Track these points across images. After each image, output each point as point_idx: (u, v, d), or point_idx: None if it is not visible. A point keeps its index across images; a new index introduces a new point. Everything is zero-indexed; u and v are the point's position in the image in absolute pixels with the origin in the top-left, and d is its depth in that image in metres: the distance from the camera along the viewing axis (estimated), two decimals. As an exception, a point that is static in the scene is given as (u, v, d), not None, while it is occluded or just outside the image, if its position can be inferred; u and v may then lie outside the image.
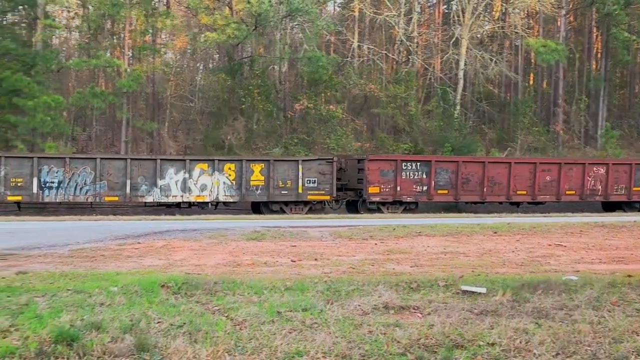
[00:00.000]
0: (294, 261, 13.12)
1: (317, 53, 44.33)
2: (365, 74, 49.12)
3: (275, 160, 32.34)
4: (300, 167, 31.70)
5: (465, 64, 48.24)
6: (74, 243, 16.10)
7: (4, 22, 44.13)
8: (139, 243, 16.24)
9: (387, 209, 32.75)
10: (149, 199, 30.44)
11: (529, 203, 35.28)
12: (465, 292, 9.75)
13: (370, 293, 9.42)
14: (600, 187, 35.35)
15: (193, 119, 48.57)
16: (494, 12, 56.41)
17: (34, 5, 39.54)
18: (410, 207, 33.17)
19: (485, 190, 33.60)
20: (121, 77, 41.04)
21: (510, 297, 9.34)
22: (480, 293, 9.66)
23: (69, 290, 9.37)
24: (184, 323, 7.51)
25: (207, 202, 31.30)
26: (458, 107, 47.95)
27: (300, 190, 31.63)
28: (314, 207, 32.36)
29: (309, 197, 31.98)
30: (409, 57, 50.47)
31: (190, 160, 31.34)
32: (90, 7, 45.47)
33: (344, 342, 6.93)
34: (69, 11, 48.97)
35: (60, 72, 43.96)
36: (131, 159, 30.64)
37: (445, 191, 33.33)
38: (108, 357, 6.33)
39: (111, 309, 8.20)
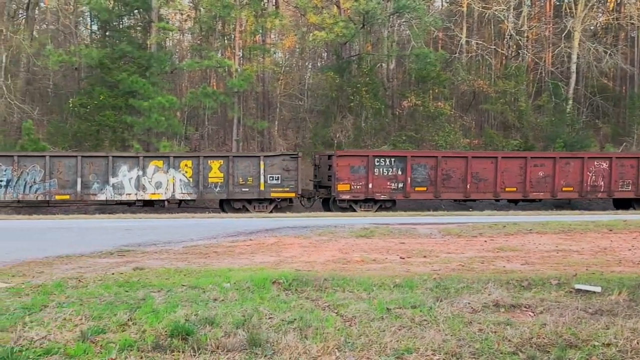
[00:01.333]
0: (403, 258, 13.10)
1: (425, 50, 44.03)
2: (473, 70, 48.46)
3: (234, 157, 31.47)
4: (261, 163, 30.79)
5: (578, 57, 47.01)
6: (188, 240, 16.54)
7: (120, 26, 45.60)
8: (250, 240, 16.52)
9: (360, 208, 31.54)
10: (102, 197, 29.90)
11: (522, 201, 33.66)
12: (578, 290, 9.50)
13: (480, 291, 9.32)
14: (602, 183, 33.39)
15: (302, 117, 49.02)
16: (608, 3, 54.76)
17: (148, 8, 40.69)
18: (385, 206, 31.89)
19: (468, 187, 31.96)
20: (232, 77, 41.80)
21: (626, 296, 9.05)
22: (594, 292, 9.39)
23: (183, 285, 9.62)
24: (295, 319, 7.59)
25: (163, 200, 30.69)
26: (570, 102, 46.74)
27: (262, 188, 30.76)
28: (279, 205, 31.39)
29: (272, 195, 30.96)
30: (519, 51, 49.50)
31: (144, 157, 30.72)
32: (201, 9, 46.58)
33: (454, 340, 6.89)
34: (181, 14, 50.42)
35: (174, 73, 45.11)
36: (82, 156, 30.10)
37: (424, 188, 31.88)
38: (221, 352, 6.46)
39: (224, 305, 8.36)
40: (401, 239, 16.84)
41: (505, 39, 49.10)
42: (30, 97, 45.55)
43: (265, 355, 6.35)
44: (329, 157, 32.25)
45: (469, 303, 8.55)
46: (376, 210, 31.23)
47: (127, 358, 6.19)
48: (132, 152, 33.23)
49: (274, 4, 48.39)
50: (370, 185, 31.16)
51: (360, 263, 12.42)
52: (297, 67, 55.66)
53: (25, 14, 47.31)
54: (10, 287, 9.48)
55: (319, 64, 56.39)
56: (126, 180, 29.92)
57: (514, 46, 49.92)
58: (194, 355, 6.31)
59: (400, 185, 31.55)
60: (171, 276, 10.53)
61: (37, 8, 48.21)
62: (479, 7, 48.83)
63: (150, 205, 31.04)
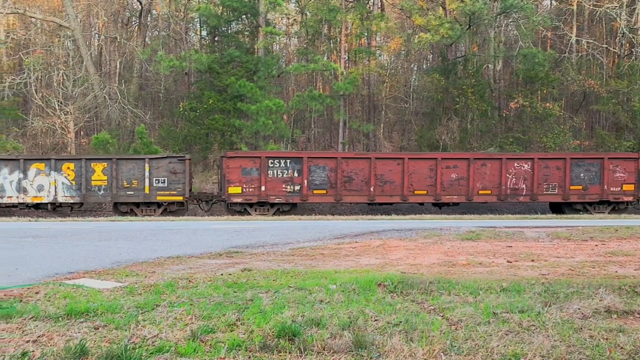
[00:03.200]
0: (510, 262, 12.91)
1: (533, 49, 43.20)
2: (584, 70, 47.17)
3: (119, 159, 30.47)
4: (146, 165, 30.05)
5: (695, 55, 45.23)
6: (294, 242, 16.73)
7: (229, 31, 46.50)
8: (356, 242, 16.59)
9: (255, 211, 30.45)
10: None
11: (435, 204, 31.98)
12: (695, 297, 9.18)
13: (590, 296, 9.09)
14: (524, 185, 31.46)
15: (408, 120, 48.88)
16: None
17: (256, 14, 41.36)
18: (283, 209, 30.68)
19: (373, 190, 30.56)
20: (338, 80, 42.05)
21: None
22: None
23: (290, 287, 9.73)
24: (400, 322, 7.56)
25: (47, 203, 30.00)
26: (688, 102, 45.00)
27: (147, 191, 30.05)
28: (169, 209, 30.50)
29: (159, 198, 30.20)
30: (632, 49, 47.88)
31: (25, 159, 29.98)
32: (308, 13, 47.03)
33: (563, 346, 6.76)
34: (288, 18, 51.00)
35: (281, 77, 45.68)
36: None
37: (323, 191, 30.53)
38: (327, 353, 6.50)
39: (330, 306, 8.40)
40: (508, 242, 16.59)
41: (618, 37, 47.60)
42: (143, 102, 47.00)
43: (371, 358, 6.36)
44: (222, 158, 31.23)
45: (579, 308, 8.36)
46: (273, 214, 30.34)
47: (236, 357, 6.31)
48: (12, 155, 33.14)
49: (380, 6, 48.40)
50: (263, 188, 30.14)
51: (466, 266, 12.30)
52: (402, 69, 55.49)
53: (138, 21, 48.91)
54: (124, 287, 9.81)
55: (424, 66, 56.09)
56: (7, 183, 29.65)
57: (627, 44, 48.34)
58: (300, 356, 6.37)
59: (297, 187, 30.41)
60: (278, 277, 10.67)
61: (149, 15, 49.66)
62: (589, 5, 47.56)
63: (36, 209, 30.57)
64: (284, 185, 30.25)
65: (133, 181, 30.04)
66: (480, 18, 42.48)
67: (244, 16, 44.80)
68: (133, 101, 43.16)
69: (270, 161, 30.22)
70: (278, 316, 7.71)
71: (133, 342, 6.67)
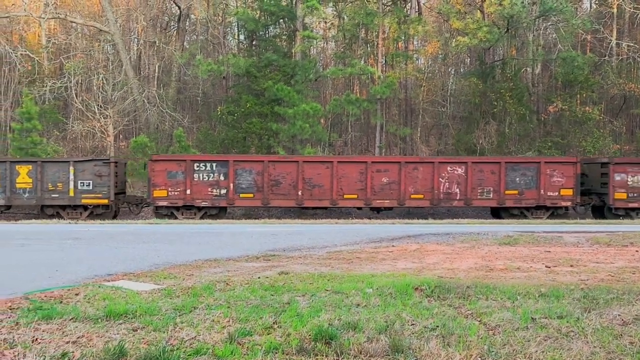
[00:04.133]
0: (549, 267, 12.80)
1: (572, 53, 42.77)
2: (624, 73, 46.62)
3: (43, 162, 30.12)
4: (71, 168, 29.51)
5: None
6: (331, 245, 16.77)
7: (267, 35, 46.69)
8: (393, 246, 16.57)
9: (182, 215, 29.98)
10: None
11: (370, 209, 31.31)
12: None
13: (631, 302, 8.99)
14: (458, 190, 30.66)
15: (445, 124, 48.67)
16: None
17: (293, 18, 41.46)
18: (210, 213, 30.23)
19: (301, 193, 29.97)
20: (375, 84, 42.01)
21: None
22: None
23: (327, 290, 9.76)
24: (437, 326, 7.56)
25: None
26: None
27: (71, 194, 29.50)
28: (95, 212, 29.95)
29: (84, 201, 29.66)
30: (674, 53, 47.32)
31: None
32: (345, 17, 47.05)
33: (603, 353, 6.69)
34: (325, 22, 51.12)
35: (318, 81, 45.75)
36: None
37: (250, 195, 29.99)
38: (364, 357, 6.51)
39: (367, 310, 8.42)
40: (546, 247, 16.46)
41: (659, 40, 47.05)
42: (181, 106, 47.31)
43: (408, 362, 6.37)
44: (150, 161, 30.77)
45: (619, 315, 8.27)
46: (201, 218, 29.93)
47: (273, 360, 6.36)
48: None
49: (417, 10, 48.26)
50: (188, 192, 29.74)
51: (503, 271, 12.23)
52: (439, 73, 55.28)
53: (176, 25, 49.27)
54: (162, 289, 9.90)
55: (461, 70, 55.81)
56: None
57: (669, 48, 47.72)
58: (337, 360, 6.40)
59: (224, 191, 30.00)
60: (315, 281, 10.70)
61: (187, 20, 50.03)
62: (630, 8, 47.03)
63: None
64: (210, 189, 29.97)
65: (58, 184, 29.69)
66: (518, 21, 42.17)
67: (281, 20, 44.92)
68: (171, 105, 43.49)
69: (196, 165, 29.96)
70: (315, 319, 7.74)
71: (171, 344, 6.75)
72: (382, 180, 30.41)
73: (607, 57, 46.80)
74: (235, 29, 53.32)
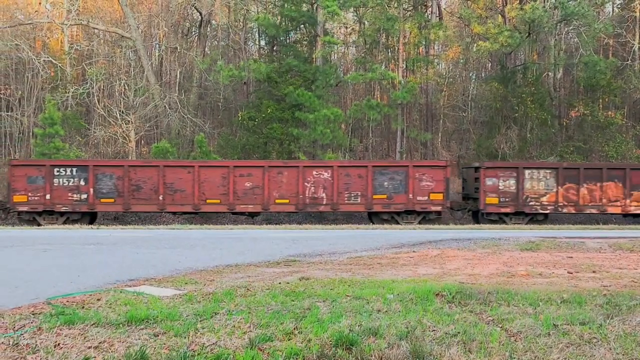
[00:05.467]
0: (571, 273, 12.72)
1: (594, 57, 42.52)
2: (647, 78, 46.36)
3: None
4: None
5: None
6: (352, 251, 16.75)
7: (287, 41, 46.79)
8: (413, 252, 16.53)
9: (44, 220, 29.47)
10: None
11: (233, 213, 31.03)
12: None
13: (654, 309, 8.94)
14: (324, 194, 30.29)
15: (466, 129, 48.55)
16: None
17: (314, 23, 41.55)
18: (73, 218, 29.66)
19: (162, 198, 29.75)
20: (396, 89, 42.01)
21: None
22: None
23: (347, 296, 9.74)
24: (458, 332, 7.54)
25: None
26: None
27: None
28: None
29: None
30: (698, 57, 46.92)
31: None
32: (366, 22, 47.14)
33: (626, 359, 6.65)
34: (346, 27, 51.13)
35: (339, 86, 45.79)
36: None
37: (111, 200, 29.68)
38: (385, 363, 6.53)
39: (387, 316, 8.41)
40: (569, 252, 16.36)
41: (682, 45, 46.67)
42: (202, 111, 47.51)
43: (429, 368, 6.36)
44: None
45: (642, 321, 8.22)
46: (64, 223, 29.42)
47: (293, 366, 6.36)
48: None
49: (438, 15, 48.24)
50: (48, 197, 29.37)
51: (525, 277, 12.17)
52: (460, 77, 55.16)
53: (197, 31, 49.46)
54: (183, 294, 9.93)
55: (482, 75, 55.62)
56: None
57: (692, 52, 47.33)
58: (358, 366, 6.40)
59: (84, 196, 29.62)
60: (335, 286, 10.69)
61: (208, 26, 50.21)
62: (653, 12, 46.74)
63: None
64: (70, 194, 29.63)
65: None
66: (540, 26, 41.99)
67: (302, 26, 45.05)
68: (192, 110, 43.67)
69: (56, 170, 29.57)
70: (335, 325, 7.75)
71: (192, 349, 6.77)
72: (246, 185, 30.28)
73: (629, 61, 46.48)
74: (256, 34, 53.56)
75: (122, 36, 45.32)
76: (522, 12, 41.67)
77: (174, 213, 31.13)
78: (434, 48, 49.83)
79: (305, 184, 30.39)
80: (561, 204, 30.95)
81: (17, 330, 7.54)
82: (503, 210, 30.89)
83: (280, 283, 11.03)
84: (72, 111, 42.54)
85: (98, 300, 9.45)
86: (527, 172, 30.99)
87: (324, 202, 30.52)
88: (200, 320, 8.06)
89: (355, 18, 50.16)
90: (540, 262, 14.45)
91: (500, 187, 30.82)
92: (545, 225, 29.89)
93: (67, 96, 41.75)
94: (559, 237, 20.17)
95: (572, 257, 15.28)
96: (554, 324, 7.96)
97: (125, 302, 9.21)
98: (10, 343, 6.96)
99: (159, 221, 32.65)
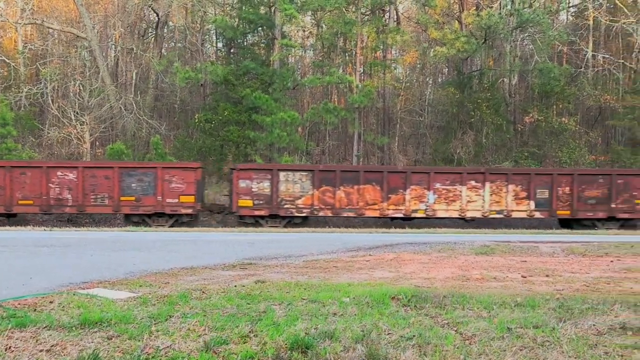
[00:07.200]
0: (525, 277, 12.85)
1: (549, 64, 43.13)
2: (600, 85, 47.08)
3: None
4: None
5: None
6: (308, 254, 16.74)
7: (245, 43, 46.65)
8: (370, 255, 16.57)
9: None
10: None
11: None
12: None
13: (605, 312, 9.05)
14: (70, 196, 29.81)
15: (423, 133, 48.83)
16: None
17: (272, 26, 41.51)
18: None
19: None
20: (353, 93, 42.10)
21: None
22: None
23: (303, 299, 9.72)
24: (414, 335, 7.56)
25: None
26: None
27: None
28: None
29: None
30: (649, 65, 47.77)
31: None
32: (323, 26, 47.18)
33: (578, 362, 6.73)
34: (304, 31, 51.16)
35: (296, 89, 45.77)
36: None
37: None
38: (341, 366, 6.53)
39: (343, 319, 8.41)
40: (522, 257, 16.53)
41: (634, 53, 47.46)
42: (158, 113, 47.18)
43: (384, 371, 6.36)
44: None
45: (594, 325, 8.31)
46: None
47: (249, 369, 6.33)
48: None
49: (395, 20, 48.47)
50: None
51: (480, 281, 12.26)
52: (417, 82, 55.46)
53: (154, 33, 49.13)
54: (138, 297, 9.83)
55: (439, 80, 56.02)
56: None
57: (644, 59, 48.21)
58: (313, 369, 6.38)
59: None
60: (291, 290, 10.66)
61: (165, 27, 49.91)
62: (606, 20, 47.48)
63: None
64: None
65: None
66: (496, 32, 42.47)
67: (259, 28, 44.93)
68: (148, 112, 43.32)
69: None
70: (291, 328, 7.72)
71: (146, 352, 6.69)
72: None
73: (583, 68, 47.21)
74: (214, 36, 53.34)
75: (78, 36, 44.85)
76: (478, 19, 42.09)
77: None
78: (391, 52, 50.03)
79: (50, 185, 29.80)
80: (317, 207, 30.61)
81: (-34, 334, 7.40)
82: (257, 212, 30.54)
83: (235, 286, 10.97)
84: (25, 111, 41.97)
85: (51, 302, 9.31)
86: (282, 174, 30.68)
87: (70, 204, 29.97)
88: (155, 323, 7.98)
89: (313, 21, 50.20)
90: (495, 266, 14.57)
91: (254, 189, 30.51)
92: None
93: (21, 96, 41.21)
94: (512, 242, 20.39)
95: (526, 261, 15.43)
96: (508, 327, 8.02)
97: (79, 305, 9.08)
98: (-41, 346, 6.82)
99: (114, 223, 32.32)
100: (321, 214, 30.88)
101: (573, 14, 56.30)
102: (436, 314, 8.90)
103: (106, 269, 13.29)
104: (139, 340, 7.13)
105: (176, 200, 30.12)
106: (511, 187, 31.05)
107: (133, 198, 30.00)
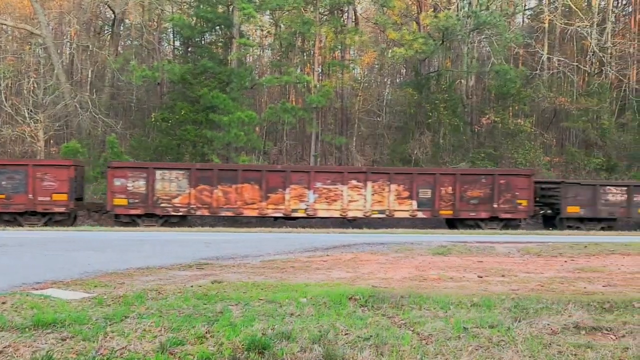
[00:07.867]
0: (481, 277, 12.95)
1: (505, 66, 43.57)
2: (555, 87, 47.69)
3: None
4: None
5: (664, 75, 45.86)
6: (265, 254, 16.68)
7: (202, 42, 46.43)
8: (327, 255, 16.57)
9: None
10: None
11: None
12: (663, 314, 9.25)
13: (559, 312, 9.16)
14: None
15: (380, 134, 49.03)
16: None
17: (230, 25, 41.32)
18: None
19: None
20: (311, 93, 42.10)
21: None
22: (679, 316, 9.13)
23: (260, 300, 9.69)
24: (371, 336, 7.58)
25: None
26: (656, 120, 45.55)
27: None
28: None
29: None
30: (602, 68, 48.42)
31: None
32: (281, 25, 47.17)
33: (533, 361, 6.79)
34: (262, 30, 51.12)
35: (254, 89, 45.64)
36: None
37: None
38: (298, 366, 6.51)
39: (300, 320, 8.41)
40: (479, 257, 16.66)
41: (588, 56, 48.17)
42: (114, 112, 46.71)
43: (341, 372, 6.36)
44: None
45: (548, 324, 8.41)
46: None
47: (205, 370, 6.28)
48: None
49: (354, 20, 48.57)
50: None
51: (437, 281, 12.32)
52: (375, 83, 55.71)
53: (110, 30, 48.58)
54: (93, 297, 9.71)
55: (397, 80, 56.32)
56: None
57: (597, 63, 48.87)
58: (270, 369, 6.36)
59: None
60: (248, 290, 10.62)
61: (122, 25, 49.42)
62: (561, 24, 48.13)
63: None
64: None
65: None
66: (453, 34, 42.80)
67: (217, 27, 44.72)
68: (104, 110, 42.83)
69: None
70: (248, 329, 7.69)
71: (101, 353, 6.62)
72: None
73: (538, 70, 47.83)
74: (171, 35, 52.98)
75: (32, 33, 44.19)
76: (436, 20, 42.36)
77: None
78: (349, 53, 50.14)
79: None
80: (194, 205, 30.37)
81: None
82: (133, 211, 30.04)
83: (192, 286, 10.89)
84: (-23, 109, 41.31)
85: (3, 303, 9.16)
86: (158, 172, 30.28)
87: None
88: (110, 324, 7.90)
89: (272, 21, 50.14)
90: (452, 266, 14.65)
91: (129, 188, 29.99)
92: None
93: (-27, 93, 40.53)
94: (469, 242, 20.52)
95: (482, 262, 15.55)
96: (464, 327, 8.08)
97: (32, 306, 8.95)
98: None
99: (68, 222, 31.90)
100: (198, 212, 30.57)
101: (529, 17, 57.03)
102: (393, 314, 8.93)
103: (60, 269, 13.10)
104: (94, 342, 7.06)
105: (48, 199, 29.35)
106: (393, 186, 30.98)
107: (3, 196, 29.07)
